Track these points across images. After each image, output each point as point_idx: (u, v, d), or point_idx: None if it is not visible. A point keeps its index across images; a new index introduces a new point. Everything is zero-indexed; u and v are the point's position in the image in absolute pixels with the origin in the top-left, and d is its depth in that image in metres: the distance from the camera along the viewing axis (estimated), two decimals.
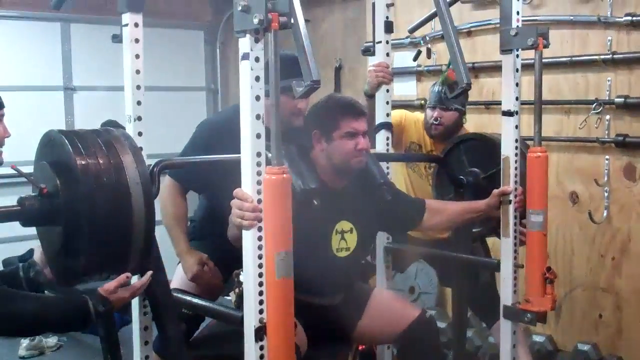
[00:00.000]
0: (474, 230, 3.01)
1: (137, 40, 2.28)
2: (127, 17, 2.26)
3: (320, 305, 2.60)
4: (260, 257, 1.83)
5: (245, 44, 1.78)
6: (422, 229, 2.92)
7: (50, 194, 1.95)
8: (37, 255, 2.28)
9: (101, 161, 1.93)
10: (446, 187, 3.14)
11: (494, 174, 2.87)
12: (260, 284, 1.84)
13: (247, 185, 1.84)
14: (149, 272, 2.16)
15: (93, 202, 1.88)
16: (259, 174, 1.82)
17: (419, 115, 3.55)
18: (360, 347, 3.74)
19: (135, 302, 2.40)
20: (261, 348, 1.85)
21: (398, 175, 3.43)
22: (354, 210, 2.63)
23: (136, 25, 2.28)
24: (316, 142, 2.55)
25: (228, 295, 3.90)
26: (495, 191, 2.68)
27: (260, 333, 1.84)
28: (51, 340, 4.52)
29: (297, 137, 2.63)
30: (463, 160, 3.06)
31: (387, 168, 3.05)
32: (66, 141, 1.94)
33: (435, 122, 3.34)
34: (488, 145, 2.93)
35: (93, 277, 2.03)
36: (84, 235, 1.91)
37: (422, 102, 4.38)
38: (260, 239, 1.83)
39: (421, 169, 3.51)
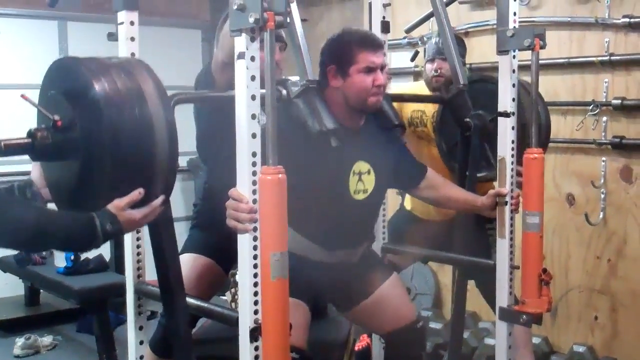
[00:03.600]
0: (478, 175, 2.94)
1: (132, 39, 2.28)
2: (122, 15, 2.26)
3: (339, 264, 2.56)
4: (255, 257, 1.82)
5: (240, 43, 1.78)
6: (414, 194, 2.86)
7: (66, 127, 1.80)
8: (35, 174, 2.07)
9: (121, 89, 1.78)
10: (451, 131, 3.03)
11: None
12: (256, 285, 1.83)
13: (243, 185, 1.83)
14: (162, 197, 1.93)
15: (116, 135, 1.74)
16: (254, 174, 1.81)
17: (414, 85, 3.47)
18: (357, 347, 3.74)
19: (130, 302, 2.39)
20: (256, 349, 1.85)
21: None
22: (371, 151, 2.54)
23: (132, 23, 2.27)
24: (332, 78, 2.42)
25: (224, 295, 3.91)
26: (491, 191, 2.66)
27: (255, 334, 1.84)
28: (46, 340, 4.51)
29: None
30: (468, 103, 2.91)
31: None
32: (82, 66, 1.81)
33: (435, 74, 3.24)
34: (494, 88, 2.75)
35: None
36: (104, 171, 1.77)
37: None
38: (255, 239, 1.82)
39: (430, 132, 3.36)
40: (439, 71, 3.23)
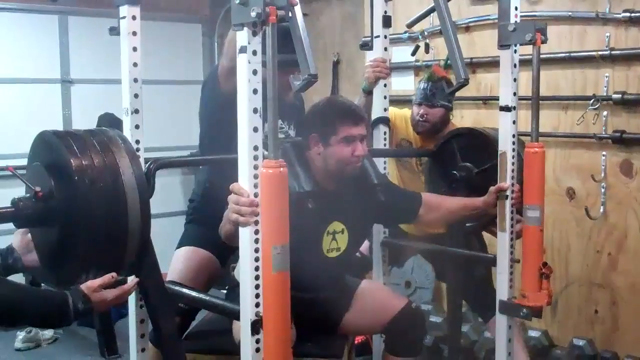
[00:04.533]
0: (467, 225, 3.01)
1: (134, 33, 2.29)
2: (124, 10, 2.27)
3: (306, 298, 2.58)
4: (256, 250, 1.83)
5: (242, 37, 1.78)
6: (418, 223, 2.93)
7: (45, 197, 1.96)
8: (16, 242, 2.19)
9: (97, 164, 1.94)
10: (439, 182, 3.13)
11: (487, 169, 2.87)
12: (257, 278, 1.84)
13: (244, 179, 1.84)
14: (135, 280, 2.13)
15: (89, 205, 1.90)
16: (255, 167, 1.82)
17: (407, 112, 3.54)
18: (356, 340, 3.75)
19: (131, 296, 2.40)
20: (257, 341, 1.86)
21: (390, 172, 3.43)
22: (347, 211, 2.63)
23: (134, 18, 2.28)
24: (313, 145, 2.53)
25: (224, 289, 3.91)
26: (492, 188, 2.67)
27: (256, 326, 1.85)
28: (47, 333, 4.52)
29: (287, 112, 2.67)
30: (456, 155, 3.06)
31: (384, 163, 3.04)
32: (61, 143, 1.95)
33: (421, 119, 3.35)
34: (481, 140, 2.92)
35: (88, 278, 2.01)
36: (79, 237, 1.91)
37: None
38: (257, 232, 1.83)
39: (413, 165, 3.51)
40: (424, 117, 3.34)
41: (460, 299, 3.06)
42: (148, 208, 2.01)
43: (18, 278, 2.18)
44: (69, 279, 2.01)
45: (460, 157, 3.03)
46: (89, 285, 1.99)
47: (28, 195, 2.01)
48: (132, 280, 2.12)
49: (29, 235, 2.16)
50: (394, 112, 3.48)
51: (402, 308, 2.71)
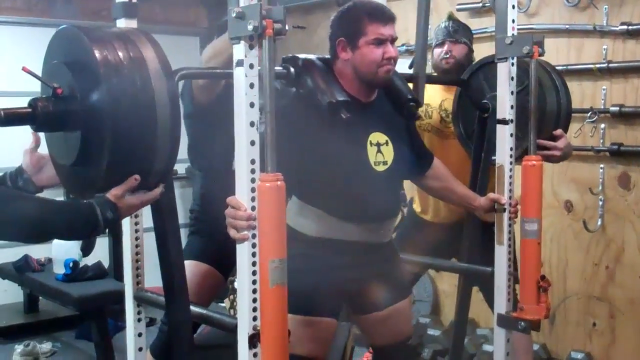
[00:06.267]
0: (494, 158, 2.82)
1: None
2: (121, 23, 2.27)
3: (370, 246, 2.50)
4: (254, 264, 1.83)
5: (239, 50, 1.79)
6: (418, 182, 2.81)
7: (67, 96, 1.79)
8: (26, 161, 2.03)
9: (123, 60, 1.77)
10: (468, 114, 2.96)
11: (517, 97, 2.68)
12: (254, 291, 1.83)
13: (242, 193, 1.83)
14: (161, 185, 1.94)
15: (116, 105, 1.72)
16: (253, 181, 1.82)
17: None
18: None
19: (129, 309, 2.39)
20: (255, 355, 1.85)
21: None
22: (385, 123, 2.48)
23: None
24: (341, 51, 2.38)
25: (222, 302, 3.91)
26: (490, 195, 2.65)
27: (254, 340, 1.84)
28: (45, 346, 4.51)
29: None
30: (484, 86, 2.88)
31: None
32: (85, 37, 1.79)
33: (445, 56, 3.16)
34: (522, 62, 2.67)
35: (111, 188, 1.85)
36: (104, 142, 1.73)
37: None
38: (254, 246, 1.82)
39: (436, 124, 3.24)
40: (449, 53, 3.16)
41: (467, 311, 3.00)
42: (178, 104, 1.85)
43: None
44: (92, 187, 1.84)
45: (488, 88, 2.86)
46: (114, 192, 1.84)
47: (46, 96, 1.82)
48: (158, 188, 1.94)
49: (39, 152, 2.02)
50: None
51: (401, 340, 2.66)
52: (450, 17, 3.24)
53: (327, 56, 2.47)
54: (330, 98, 2.29)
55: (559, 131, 2.81)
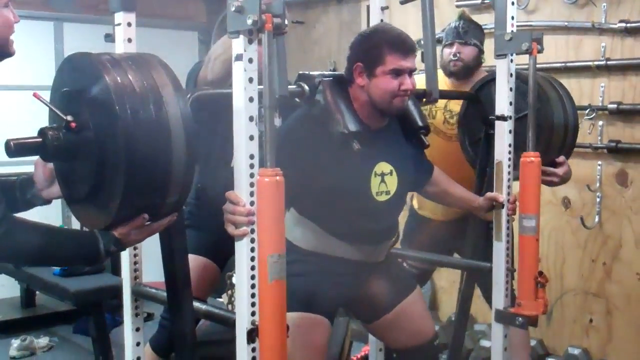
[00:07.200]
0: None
1: (129, 40, 2.28)
2: (120, 17, 2.26)
3: (364, 264, 2.51)
4: (253, 259, 1.82)
5: (238, 44, 1.78)
6: (419, 192, 2.85)
7: (79, 128, 1.72)
8: (38, 175, 2.01)
9: (138, 91, 1.68)
10: (475, 125, 2.94)
11: (526, 116, 2.62)
12: (253, 287, 1.83)
13: (241, 188, 1.83)
14: (170, 216, 1.87)
15: (129, 138, 1.64)
16: (252, 176, 1.82)
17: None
18: (356, 357, 3.74)
19: (127, 304, 2.39)
20: (253, 350, 1.85)
21: None
22: (393, 152, 2.48)
23: (129, 24, 2.27)
24: (357, 76, 2.35)
25: (220, 297, 3.91)
26: (488, 194, 2.66)
27: (252, 335, 1.84)
28: (42, 341, 4.50)
29: None
30: (494, 101, 2.77)
31: None
32: (97, 64, 1.72)
33: (454, 58, 3.15)
34: (522, 85, 2.67)
35: (123, 222, 1.80)
36: (115, 175, 1.66)
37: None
38: (253, 241, 1.82)
39: (438, 125, 3.24)
40: (457, 55, 3.15)
41: (469, 306, 2.99)
42: (193, 142, 1.75)
43: None
44: (106, 222, 1.78)
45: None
46: (120, 231, 1.82)
47: (57, 125, 1.76)
48: (167, 218, 1.87)
49: (50, 165, 1.98)
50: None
51: (422, 343, 2.64)
52: (462, 17, 3.22)
53: (342, 73, 2.44)
54: (342, 128, 2.28)
55: (561, 158, 2.84)
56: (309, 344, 2.36)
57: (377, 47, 2.32)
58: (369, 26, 2.80)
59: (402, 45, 2.33)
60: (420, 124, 2.55)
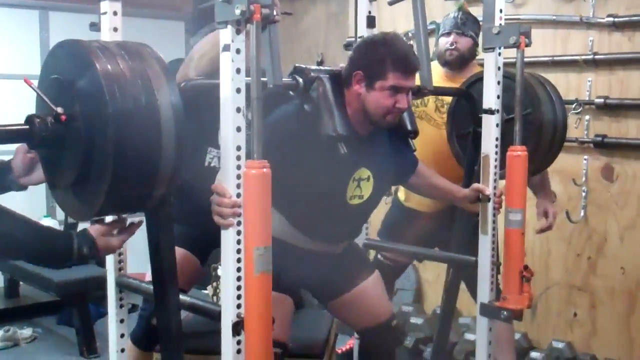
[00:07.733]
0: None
1: (115, 29, 2.26)
2: (105, 5, 2.24)
3: (323, 253, 2.55)
4: (239, 251, 1.81)
5: (226, 35, 1.77)
6: (404, 185, 2.87)
7: (67, 115, 1.67)
8: (17, 162, 1.97)
9: (129, 79, 1.65)
10: (464, 120, 2.93)
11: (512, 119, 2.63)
12: (239, 279, 1.82)
13: (227, 180, 1.82)
14: (139, 220, 1.89)
15: (121, 123, 1.61)
16: (238, 167, 1.80)
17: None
18: (341, 350, 3.74)
19: (111, 296, 2.38)
20: (238, 342, 1.84)
21: None
22: (375, 158, 2.49)
23: (115, 13, 2.25)
24: (355, 82, 2.33)
25: (205, 289, 3.89)
26: (474, 185, 2.66)
27: (237, 328, 1.83)
28: (26, 332, 4.47)
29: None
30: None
31: None
32: (86, 51, 1.68)
33: (450, 47, 3.19)
34: (513, 84, 2.64)
35: (108, 213, 1.80)
36: (107, 162, 1.62)
37: None
38: (239, 233, 1.81)
39: (430, 112, 3.26)
40: (454, 45, 3.20)
41: (454, 299, 2.99)
42: (182, 133, 1.72)
43: None
44: (92, 211, 1.73)
45: None
46: (99, 228, 1.81)
47: (45, 113, 1.70)
48: (136, 223, 1.91)
49: (31, 153, 1.95)
50: None
51: (380, 323, 2.67)
52: (461, 8, 3.26)
53: (339, 70, 2.42)
54: (331, 131, 2.27)
55: (549, 210, 3.18)
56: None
57: (381, 61, 2.29)
58: (369, 27, 2.85)
59: (407, 64, 2.31)
60: (409, 128, 2.55)
